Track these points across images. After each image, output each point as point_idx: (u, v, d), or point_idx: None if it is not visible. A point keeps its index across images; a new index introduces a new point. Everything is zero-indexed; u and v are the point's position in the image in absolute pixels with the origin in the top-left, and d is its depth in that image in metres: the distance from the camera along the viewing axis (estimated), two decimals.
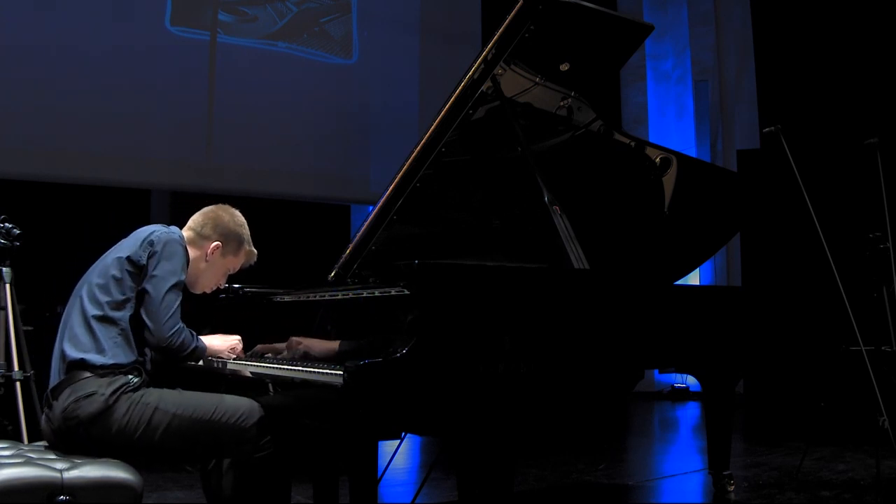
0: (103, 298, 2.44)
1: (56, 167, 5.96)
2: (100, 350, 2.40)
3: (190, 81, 6.53)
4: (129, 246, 2.52)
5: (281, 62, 7.00)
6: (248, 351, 2.85)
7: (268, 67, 6.91)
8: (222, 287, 2.85)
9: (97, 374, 2.37)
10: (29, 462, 2.19)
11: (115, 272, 2.47)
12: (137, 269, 2.47)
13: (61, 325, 2.51)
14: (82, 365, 2.38)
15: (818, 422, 4.66)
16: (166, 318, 2.43)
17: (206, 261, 2.70)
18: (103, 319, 2.43)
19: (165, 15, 6.48)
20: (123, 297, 2.45)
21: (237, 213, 2.81)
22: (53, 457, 2.28)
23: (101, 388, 2.35)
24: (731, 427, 3.25)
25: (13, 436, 3.66)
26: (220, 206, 2.81)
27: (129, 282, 2.46)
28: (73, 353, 2.39)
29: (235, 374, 2.70)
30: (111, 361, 2.39)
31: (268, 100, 6.88)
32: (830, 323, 4.50)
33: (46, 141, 5.89)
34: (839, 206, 5.54)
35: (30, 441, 3.22)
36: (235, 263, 2.79)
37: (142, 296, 2.45)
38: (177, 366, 2.85)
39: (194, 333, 2.54)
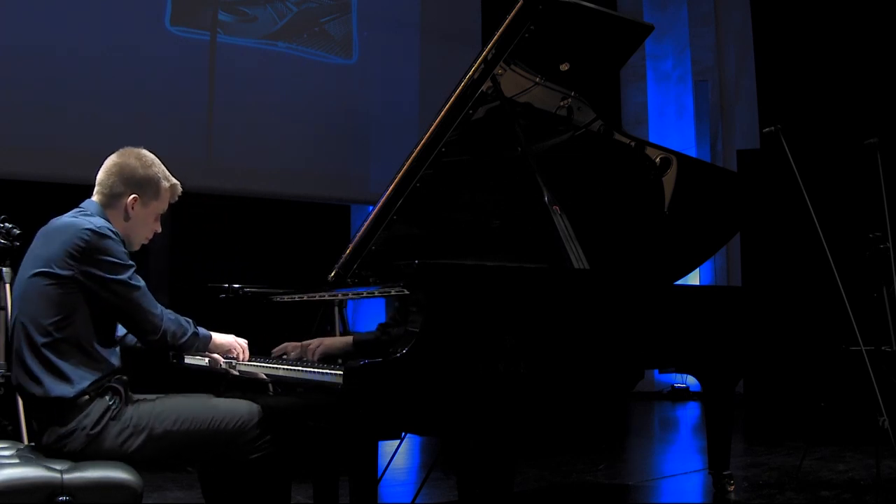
0: (46, 321, 2.20)
1: (56, 167, 5.94)
2: (64, 379, 2.20)
3: (190, 81, 6.53)
4: (43, 256, 2.27)
5: (281, 62, 6.99)
6: (256, 353, 2.83)
7: (268, 67, 6.90)
8: (158, 232, 2.54)
9: (68, 408, 2.20)
10: (29, 462, 2.18)
11: (46, 289, 2.22)
12: (65, 279, 2.21)
13: (14, 355, 2.27)
14: (49, 402, 2.19)
15: (818, 422, 4.66)
16: (146, 312, 2.28)
17: (129, 218, 2.43)
18: (53, 345, 2.20)
19: (165, 15, 6.48)
20: (66, 312, 2.21)
21: (144, 153, 2.47)
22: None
23: (81, 422, 2.21)
24: (731, 427, 3.25)
25: (13, 436, 3.65)
26: (121, 152, 2.47)
27: (65, 295, 2.22)
28: (37, 391, 2.20)
29: (232, 374, 2.68)
30: (80, 387, 2.21)
31: (268, 100, 6.87)
32: (830, 323, 4.50)
33: (46, 141, 5.88)
34: (839, 206, 5.53)
35: (29, 441, 3.21)
36: (162, 206, 2.49)
37: (112, 306, 2.26)
38: (179, 357, 2.82)
39: (191, 321, 2.42)
